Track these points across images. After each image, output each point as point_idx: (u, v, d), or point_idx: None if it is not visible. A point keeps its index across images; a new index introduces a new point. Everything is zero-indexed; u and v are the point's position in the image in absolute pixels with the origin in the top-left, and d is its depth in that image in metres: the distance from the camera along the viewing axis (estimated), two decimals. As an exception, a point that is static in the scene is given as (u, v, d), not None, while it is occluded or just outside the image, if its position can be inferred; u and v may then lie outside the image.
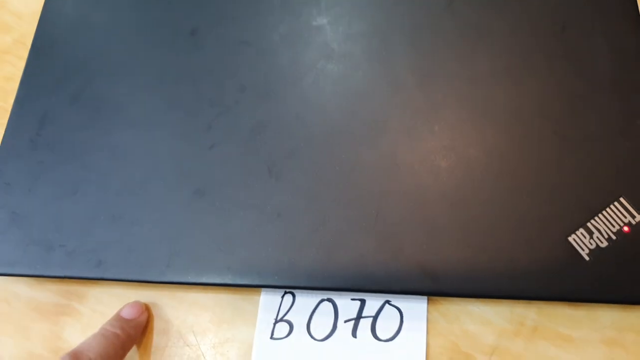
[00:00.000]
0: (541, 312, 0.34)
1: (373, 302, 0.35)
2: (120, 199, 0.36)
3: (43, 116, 0.38)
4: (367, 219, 0.34)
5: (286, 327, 0.35)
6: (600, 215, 0.33)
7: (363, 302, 0.35)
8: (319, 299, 0.35)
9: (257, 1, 0.41)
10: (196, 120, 0.37)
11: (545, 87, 0.36)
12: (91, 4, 0.42)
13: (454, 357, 0.33)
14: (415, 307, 0.34)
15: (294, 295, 0.35)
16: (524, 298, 0.33)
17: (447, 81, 0.37)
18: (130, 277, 0.34)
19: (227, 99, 0.38)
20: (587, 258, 0.32)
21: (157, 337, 0.36)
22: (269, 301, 0.35)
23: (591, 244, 0.32)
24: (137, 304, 0.35)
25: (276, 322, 0.35)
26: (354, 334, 0.34)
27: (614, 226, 0.32)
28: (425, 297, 0.35)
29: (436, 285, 0.32)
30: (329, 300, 0.35)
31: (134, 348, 0.35)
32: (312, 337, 0.34)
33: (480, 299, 0.34)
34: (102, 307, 0.36)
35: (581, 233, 0.32)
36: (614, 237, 0.32)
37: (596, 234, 0.32)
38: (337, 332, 0.34)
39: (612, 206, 0.33)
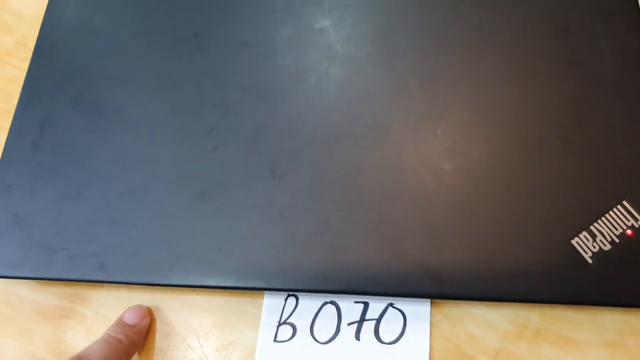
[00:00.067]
0: (544, 315, 0.34)
1: (376, 305, 0.35)
2: (123, 202, 0.36)
3: (45, 119, 0.38)
4: (370, 221, 0.34)
5: (289, 330, 0.35)
6: (603, 218, 0.33)
7: (366, 305, 0.35)
8: (322, 301, 0.35)
9: (259, 3, 0.41)
10: (199, 123, 0.37)
11: (548, 90, 0.36)
12: (93, 7, 0.42)
13: (457, 360, 0.34)
14: (418, 310, 0.34)
15: (297, 298, 0.35)
16: (527, 301, 0.33)
17: (450, 84, 0.37)
18: (133, 280, 0.34)
19: (229, 101, 0.38)
20: (590, 261, 0.32)
21: (159, 340, 0.36)
22: (272, 304, 0.35)
23: (594, 247, 0.32)
24: (139, 308, 0.35)
25: (279, 324, 0.35)
26: (357, 337, 0.34)
27: (617, 229, 0.32)
28: (429, 300, 0.35)
29: (439, 288, 0.32)
30: (332, 303, 0.35)
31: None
32: (315, 340, 0.34)
33: (484, 302, 0.35)
34: (105, 310, 0.36)
35: (584, 236, 0.32)
36: (617, 240, 0.32)
37: (599, 237, 0.32)
38: (340, 335, 0.34)
39: (615, 209, 0.33)
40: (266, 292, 0.36)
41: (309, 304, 0.35)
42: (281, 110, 0.37)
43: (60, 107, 0.39)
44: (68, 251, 0.35)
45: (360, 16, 0.40)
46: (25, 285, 0.37)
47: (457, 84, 0.37)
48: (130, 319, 0.35)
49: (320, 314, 0.35)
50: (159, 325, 0.36)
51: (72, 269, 0.34)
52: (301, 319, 0.35)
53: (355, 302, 0.35)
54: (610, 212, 0.33)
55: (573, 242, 0.32)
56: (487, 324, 0.34)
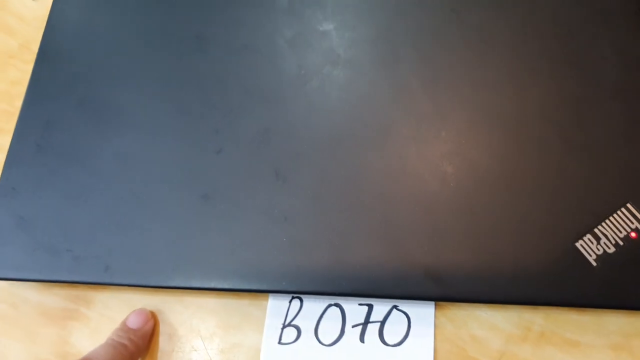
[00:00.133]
0: (548, 317, 0.34)
1: (381, 307, 0.35)
2: (127, 204, 0.36)
3: (49, 121, 0.38)
4: (374, 223, 0.34)
5: (294, 332, 0.35)
6: (607, 221, 0.33)
7: (371, 307, 0.35)
8: (327, 304, 0.35)
9: (262, 5, 0.41)
10: (202, 125, 0.37)
11: (551, 92, 0.36)
12: (97, 10, 0.42)
13: (461, 362, 0.34)
14: (422, 313, 0.34)
15: (301, 300, 0.35)
16: (531, 303, 0.33)
17: (452, 86, 0.37)
18: (137, 282, 0.34)
19: (233, 103, 0.38)
20: (594, 264, 0.32)
21: (163, 342, 0.36)
22: (276, 306, 0.35)
23: (598, 250, 0.32)
24: (142, 311, 0.35)
25: (284, 327, 0.35)
26: (361, 339, 0.34)
27: (621, 232, 0.32)
28: (433, 303, 0.35)
29: (443, 291, 0.32)
30: (337, 305, 0.35)
31: (141, 353, 0.35)
32: (319, 342, 0.34)
33: (488, 304, 0.35)
34: (109, 311, 0.36)
35: (588, 239, 0.32)
36: (621, 243, 0.32)
37: (603, 239, 0.32)
38: (344, 337, 0.34)
39: (619, 212, 0.33)
40: (270, 294, 0.36)
41: (313, 306, 0.35)
42: (284, 113, 0.37)
43: (64, 109, 0.39)
44: (72, 253, 0.35)
45: (363, 19, 0.40)
46: (29, 287, 0.38)
47: (459, 86, 0.37)
48: (133, 323, 0.35)
49: (324, 316, 0.35)
50: (163, 327, 0.36)
51: (76, 271, 0.34)
52: (306, 321, 0.35)
53: (360, 304, 0.35)
54: (615, 215, 0.33)
55: (577, 244, 0.32)
56: (491, 326, 0.34)
